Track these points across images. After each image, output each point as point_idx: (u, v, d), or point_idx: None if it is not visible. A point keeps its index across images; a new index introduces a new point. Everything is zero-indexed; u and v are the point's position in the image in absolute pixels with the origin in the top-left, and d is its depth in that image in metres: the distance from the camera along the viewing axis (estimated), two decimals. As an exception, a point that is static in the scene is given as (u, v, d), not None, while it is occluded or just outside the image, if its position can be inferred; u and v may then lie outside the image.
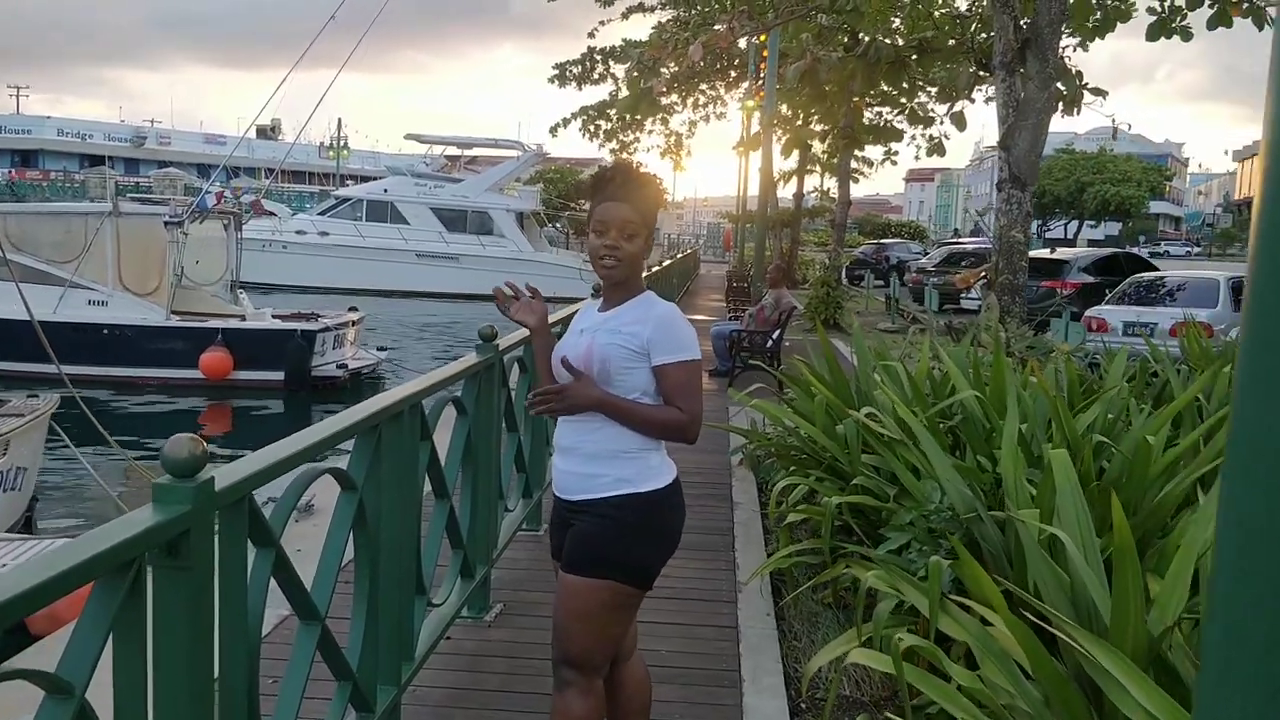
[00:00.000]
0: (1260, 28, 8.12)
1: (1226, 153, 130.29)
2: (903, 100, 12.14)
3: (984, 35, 8.43)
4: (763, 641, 3.96)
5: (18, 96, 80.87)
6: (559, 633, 2.51)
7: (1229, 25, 8.25)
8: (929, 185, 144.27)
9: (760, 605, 4.34)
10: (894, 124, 12.72)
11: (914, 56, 7.84)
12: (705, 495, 6.06)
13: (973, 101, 11.05)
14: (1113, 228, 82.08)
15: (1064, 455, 2.71)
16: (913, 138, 15.41)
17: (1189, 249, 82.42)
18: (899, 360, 4.87)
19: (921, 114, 10.60)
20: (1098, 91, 8.37)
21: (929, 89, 10.84)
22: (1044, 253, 19.24)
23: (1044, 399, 3.83)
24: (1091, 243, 66.83)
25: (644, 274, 2.65)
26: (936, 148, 10.66)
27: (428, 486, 3.46)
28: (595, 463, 2.47)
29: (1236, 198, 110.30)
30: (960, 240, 36.13)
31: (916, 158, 21.59)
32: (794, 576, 4.48)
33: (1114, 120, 8.49)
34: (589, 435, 2.48)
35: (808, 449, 4.84)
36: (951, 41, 7.56)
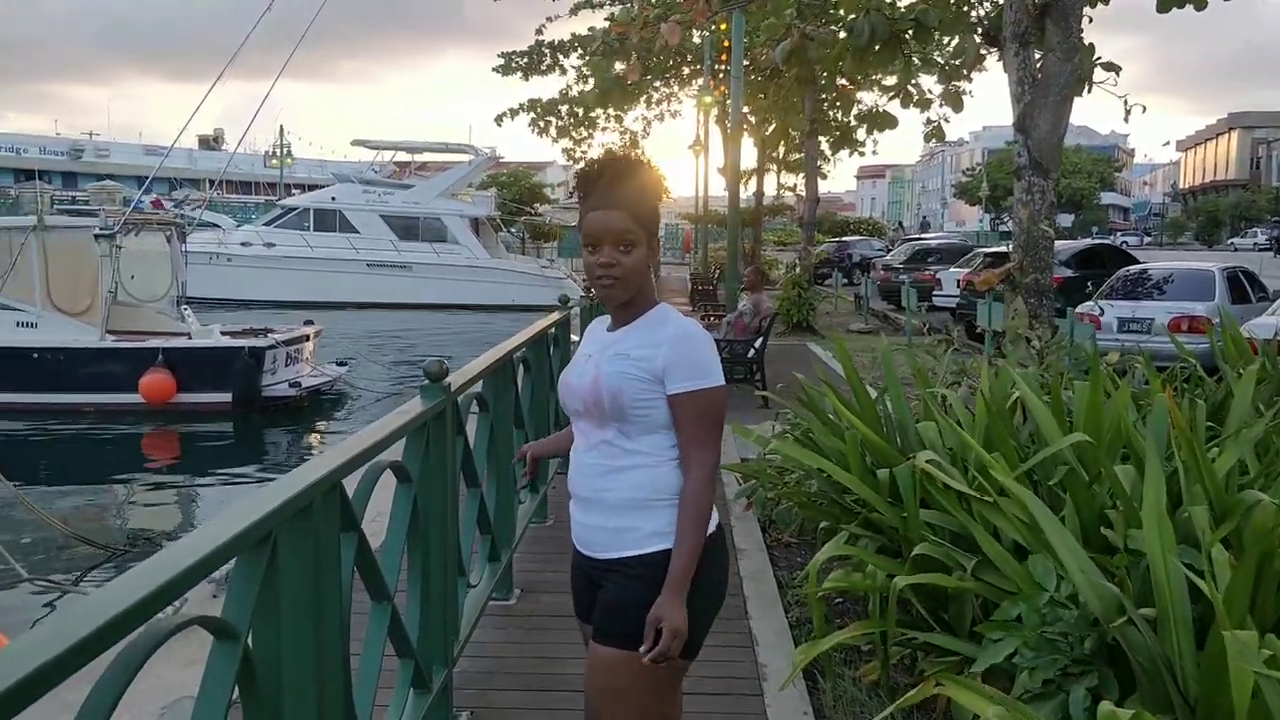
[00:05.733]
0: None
1: (1168, 143, 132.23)
2: (894, 82, 11.35)
3: (990, 4, 7.65)
4: (806, 761, 3.08)
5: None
6: (591, 714, 2.15)
7: None
8: (880, 181, 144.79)
9: (793, 701, 3.46)
10: (886, 110, 12.02)
11: (909, 33, 7.02)
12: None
13: (970, 80, 10.28)
14: (1065, 219, 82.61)
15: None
16: (875, 133, 14.65)
17: (1140, 238, 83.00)
18: (940, 384, 4.03)
19: (918, 96, 9.79)
20: (1110, 67, 7.63)
21: (928, 69, 10.04)
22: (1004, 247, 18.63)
23: (1165, 438, 2.97)
24: (1046, 235, 66.91)
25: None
26: (936, 131, 9.89)
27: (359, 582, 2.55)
28: (624, 514, 2.13)
29: (1183, 187, 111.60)
30: (924, 236, 35.73)
31: (875, 152, 20.92)
32: (831, 657, 3.61)
33: (1126, 101, 7.71)
34: (614, 480, 2.14)
35: (835, 495, 3.96)
36: (954, 1, 6.76)
